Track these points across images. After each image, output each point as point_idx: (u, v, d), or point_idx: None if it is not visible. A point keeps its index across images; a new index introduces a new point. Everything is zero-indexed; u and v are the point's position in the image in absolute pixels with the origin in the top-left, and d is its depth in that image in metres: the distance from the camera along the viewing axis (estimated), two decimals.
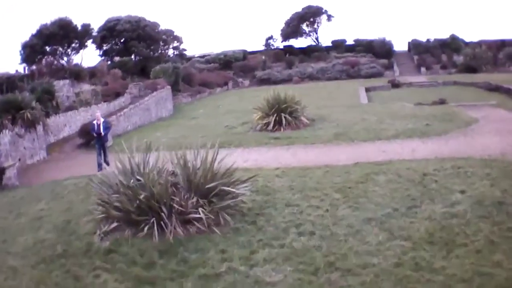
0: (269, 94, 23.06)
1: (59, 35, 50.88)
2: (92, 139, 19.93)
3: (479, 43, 59.49)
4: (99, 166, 17.47)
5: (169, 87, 39.10)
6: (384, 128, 19.74)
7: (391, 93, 39.42)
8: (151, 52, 60.32)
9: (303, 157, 16.12)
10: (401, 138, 17.75)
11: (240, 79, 60.65)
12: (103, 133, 18.10)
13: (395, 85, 44.77)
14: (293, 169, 14.05)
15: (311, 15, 69.73)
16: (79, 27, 53.74)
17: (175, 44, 69.23)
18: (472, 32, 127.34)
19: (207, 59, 68.81)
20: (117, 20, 57.88)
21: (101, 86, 37.18)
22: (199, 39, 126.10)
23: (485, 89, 37.14)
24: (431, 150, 15.47)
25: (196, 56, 70.79)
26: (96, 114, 19.48)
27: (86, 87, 37.18)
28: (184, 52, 70.92)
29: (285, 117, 21.69)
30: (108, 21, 58.24)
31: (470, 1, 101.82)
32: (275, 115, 21.91)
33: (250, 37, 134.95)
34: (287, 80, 57.31)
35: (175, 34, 68.19)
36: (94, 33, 56.92)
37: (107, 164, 17.12)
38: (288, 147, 18.03)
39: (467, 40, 63.85)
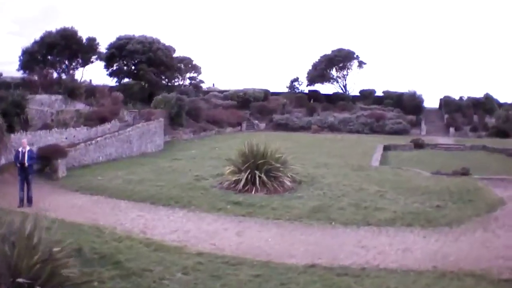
0: (245, 144, 18.36)
1: (61, 46, 46.28)
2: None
3: None
4: (21, 202, 15.29)
5: (161, 119, 34.53)
6: (381, 206, 14.77)
7: (411, 155, 34.35)
8: (165, 79, 56.21)
9: (251, 239, 11.43)
10: (396, 226, 12.81)
11: (256, 121, 56.05)
12: (27, 164, 15.49)
13: (418, 145, 39.64)
14: (215, 261, 9.48)
15: (341, 59, 64.80)
16: (84, 40, 48.90)
17: (193, 74, 65.42)
18: (507, 92, 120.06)
19: (225, 95, 64.34)
20: (129, 39, 52.72)
21: (97, 108, 33.13)
22: (222, 73, 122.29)
23: None
24: (431, 252, 10.58)
25: (215, 90, 66.62)
26: (22, 140, 16.98)
27: (80, 106, 33.64)
28: (201, 84, 66.63)
29: (259, 176, 16.82)
30: (119, 39, 53.40)
31: (507, 59, 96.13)
32: (248, 172, 17.08)
33: (275, 77, 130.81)
34: (306, 128, 52.73)
35: (193, 63, 64.16)
36: (104, 50, 52.22)
37: (30, 201, 15.42)
38: (242, 219, 13.33)
39: (502, 100, 59.42)
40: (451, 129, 51.11)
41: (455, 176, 21.49)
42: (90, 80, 59.37)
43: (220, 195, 16.14)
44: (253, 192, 16.52)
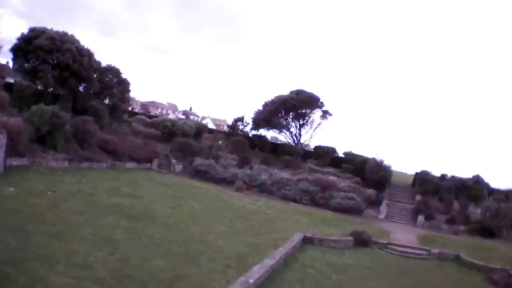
0: None
1: None
2: None
3: (507, 193, 44.46)
4: None
5: None
6: None
7: (321, 265, 22.27)
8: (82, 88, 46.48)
9: None
10: None
11: (174, 161, 44.63)
12: None
13: (360, 241, 27.50)
14: None
15: (299, 104, 52.44)
16: None
17: (116, 89, 52.50)
18: (500, 177, 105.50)
19: (153, 122, 52.68)
20: (42, 32, 43.12)
21: None
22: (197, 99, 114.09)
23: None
24: None
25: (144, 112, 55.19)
26: None
27: None
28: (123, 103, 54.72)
29: None
30: (31, 30, 43.65)
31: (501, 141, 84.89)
32: None
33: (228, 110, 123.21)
34: (229, 181, 40.65)
35: (121, 76, 51.90)
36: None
37: None
38: None
39: (493, 185, 48.17)
40: (420, 217, 39.28)
41: None
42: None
43: None
44: None
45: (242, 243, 21.32)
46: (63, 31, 44.37)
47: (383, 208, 40.00)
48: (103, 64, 49.13)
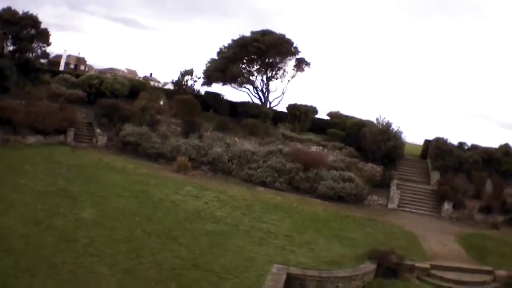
0: None
1: None
2: None
3: None
4: None
5: None
6: None
7: None
8: None
9: None
10: None
11: (98, 130, 32.75)
12: None
13: (387, 269, 15.26)
14: None
15: (265, 48, 39.59)
16: None
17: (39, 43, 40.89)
18: None
19: (81, 80, 40.52)
20: None
21: None
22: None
23: None
24: None
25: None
26: None
27: None
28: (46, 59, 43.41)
29: None
30: None
31: None
32: None
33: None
34: (169, 157, 29.18)
35: (41, 27, 39.78)
36: None
37: None
38: None
39: None
40: (447, 205, 28.07)
41: None
42: None
43: None
44: None
45: None
46: None
47: (394, 192, 28.12)
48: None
